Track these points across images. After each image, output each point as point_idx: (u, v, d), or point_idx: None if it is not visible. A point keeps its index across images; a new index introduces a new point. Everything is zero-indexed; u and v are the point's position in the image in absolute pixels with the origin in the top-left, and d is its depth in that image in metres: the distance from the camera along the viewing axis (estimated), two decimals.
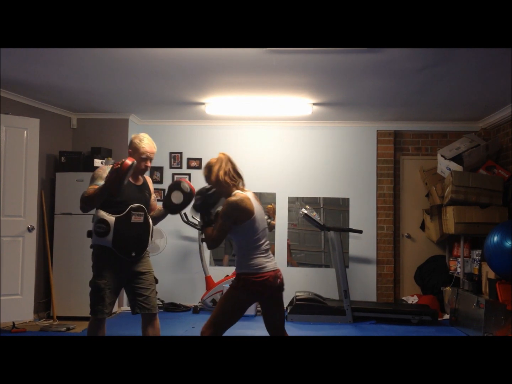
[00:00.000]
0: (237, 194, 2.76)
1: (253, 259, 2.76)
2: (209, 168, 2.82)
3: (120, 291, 3.22)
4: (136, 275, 3.16)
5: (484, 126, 6.08)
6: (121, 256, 3.07)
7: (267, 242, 2.88)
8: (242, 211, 2.70)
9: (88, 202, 3.00)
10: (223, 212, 2.72)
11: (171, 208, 3.20)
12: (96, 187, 2.98)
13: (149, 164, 3.22)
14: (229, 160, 2.83)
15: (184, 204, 3.15)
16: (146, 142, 3.18)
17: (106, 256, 3.07)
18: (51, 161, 5.73)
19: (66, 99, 5.40)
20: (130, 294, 3.17)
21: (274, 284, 2.82)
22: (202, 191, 2.86)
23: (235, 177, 2.81)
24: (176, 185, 3.16)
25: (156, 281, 3.26)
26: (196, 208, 2.87)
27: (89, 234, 3.13)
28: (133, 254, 3.11)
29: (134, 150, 3.17)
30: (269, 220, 6.30)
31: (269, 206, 6.36)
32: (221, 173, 2.76)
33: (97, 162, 5.56)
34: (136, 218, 3.12)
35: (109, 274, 3.06)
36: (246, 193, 2.80)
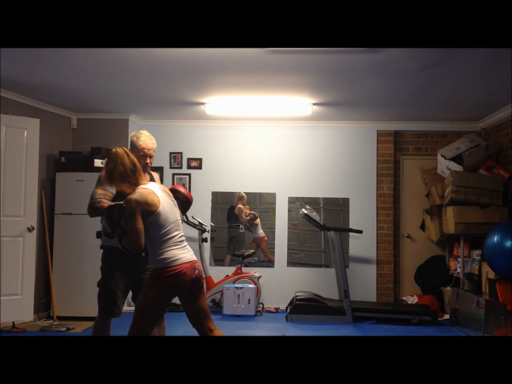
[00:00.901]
0: (137, 190, 2.71)
1: (165, 252, 2.67)
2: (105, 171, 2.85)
3: (129, 291, 3.19)
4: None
5: (484, 126, 6.08)
6: (131, 257, 2.97)
7: (181, 234, 2.80)
8: (145, 205, 2.63)
9: (99, 214, 2.94)
10: (127, 213, 2.64)
11: None
12: (106, 192, 2.95)
13: (148, 160, 3.15)
14: (120, 158, 2.78)
15: (182, 211, 3.15)
16: (143, 139, 3.14)
17: (115, 257, 3.04)
18: (51, 161, 5.73)
19: (66, 99, 5.40)
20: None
21: (191, 275, 2.70)
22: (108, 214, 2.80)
23: (129, 176, 2.76)
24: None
25: None
26: (107, 235, 2.82)
27: (99, 235, 3.06)
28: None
29: (132, 148, 3.15)
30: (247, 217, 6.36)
31: (239, 206, 6.38)
32: (116, 175, 2.77)
33: (97, 162, 5.56)
34: None
35: (119, 275, 3.05)
36: (148, 186, 2.75)
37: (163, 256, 2.67)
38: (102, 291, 3.07)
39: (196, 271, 2.75)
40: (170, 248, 2.70)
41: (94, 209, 2.93)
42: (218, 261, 6.44)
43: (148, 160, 3.15)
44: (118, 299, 3.05)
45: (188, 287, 2.73)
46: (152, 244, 2.71)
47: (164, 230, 2.70)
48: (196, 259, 2.82)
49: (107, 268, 3.08)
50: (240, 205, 6.40)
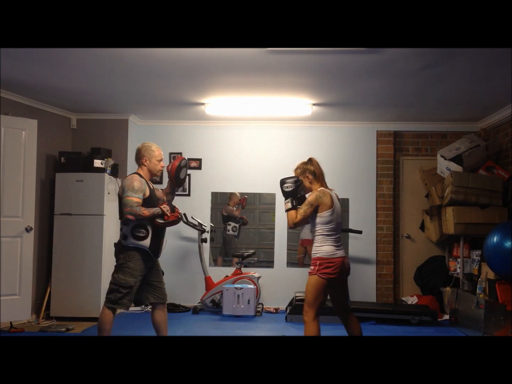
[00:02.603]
0: (321, 189, 3.34)
1: (325, 245, 3.27)
2: (300, 169, 3.47)
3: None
4: (151, 269, 3.60)
5: (483, 127, 6.08)
6: (153, 257, 3.53)
7: (339, 234, 3.39)
8: (322, 203, 3.26)
9: (141, 219, 3.40)
10: (308, 200, 3.29)
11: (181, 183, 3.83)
12: (139, 200, 3.38)
13: (163, 165, 3.73)
14: (316, 164, 3.45)
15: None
16: (156, 147, 3.68)
17: (140, 257, 3.44)
18: (50, 161, 5.72)
19: (66, 99, 5.40)
20: (146, 286, 3.56)
21: (344, 267, 3.30)
22: (294, 181, 3.40)
23: (319, 177, 3.42)
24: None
25: (162, 273, 3.83)
26: (286, 194, 3.39)
27: (125, 237, 3.43)
28: (160, 254, 3.66)
29: (149, 156, 3.61)
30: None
31: (226, 206, 6.43)
32: (309, 173, 3.42)
33: (97, 162, 5.56)
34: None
35: (139, 273, 3.45)
36: (329, 191, 3.36)
37: (324, 248, 3.33)
38: (118, 285, 3.40)
39: (346, 264, 3.40)
40: (329, 244, 3.35)
41: (138, 216, 3.36)
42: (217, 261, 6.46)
43: (163, 164, 3.74)
44: (133, 294, 3.45)
45: (340, 277, 3.37)
46: (317, 235, 3.38)
47: (330, 227, 3.38)
48: (346, 256, 3.42)
49: (129, 266, 3.42)
50: (226, 205, 6.43)
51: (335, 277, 3.23)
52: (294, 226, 3.42)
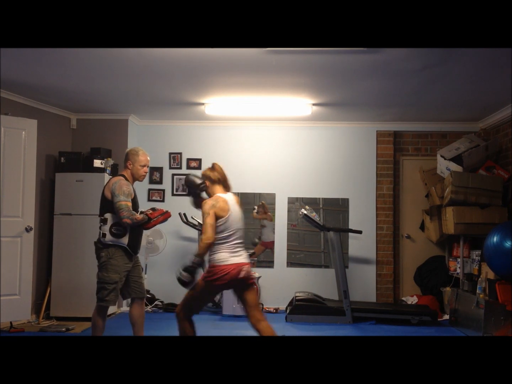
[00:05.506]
0: (215, 196, 3.25)
1: (218, 253, 3.17)
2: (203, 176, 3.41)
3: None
4: (132, 266, 3.70)
5: (483, 127, 6.09)
6: (132, 254, 3.63)
7: (238, 240, 3.27)
8: (216, 210, 3.14)
9: (135, 224, 3.56)
10: (203, 211, 3.15)
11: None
12: (130, 204, 3.53)
13: (147, 170, 3.77)
14: (216, 169, 3.38)
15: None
16: (142, 153, 3.73)
17: (122, 254, 3.56)
18: (50, 161, 5.72)
19: (66, 99, 5.40)
20: (127, 281, 3.65)
21: (235, 276, 3.14)
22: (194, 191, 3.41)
23: (215, 182, 3.33)
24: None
25: (142, 269, 3.88)
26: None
27: (104, 235, 3.56)
28: (139, 250, 3.73)
29: (133, 160, 3.68)
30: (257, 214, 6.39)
31: (262, 202, 6.40)
32: (206, 179, 3.35)
33: (97, 162, 5.56)
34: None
35: (122, 269, 3.56)
36: (224, 196, 3.25)
37: (215, 256, 3.24)
38: (103, 282, 3.54)
39: (242, 272, 3.20)
40: (223, 251, 3.24)
41: (134, 220, 3.52)
42: None
43: (146, 170, 3.78)
44: (118, 290, 3.57)
45: (234, 284, 3.27)
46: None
47: (226, 234, 3.23)
48: (245, 262, 3.25)
49: (111, 264, 3.53)
50: None
51: (224, 283, 3.15)
52: (210, 241, 3.13)
